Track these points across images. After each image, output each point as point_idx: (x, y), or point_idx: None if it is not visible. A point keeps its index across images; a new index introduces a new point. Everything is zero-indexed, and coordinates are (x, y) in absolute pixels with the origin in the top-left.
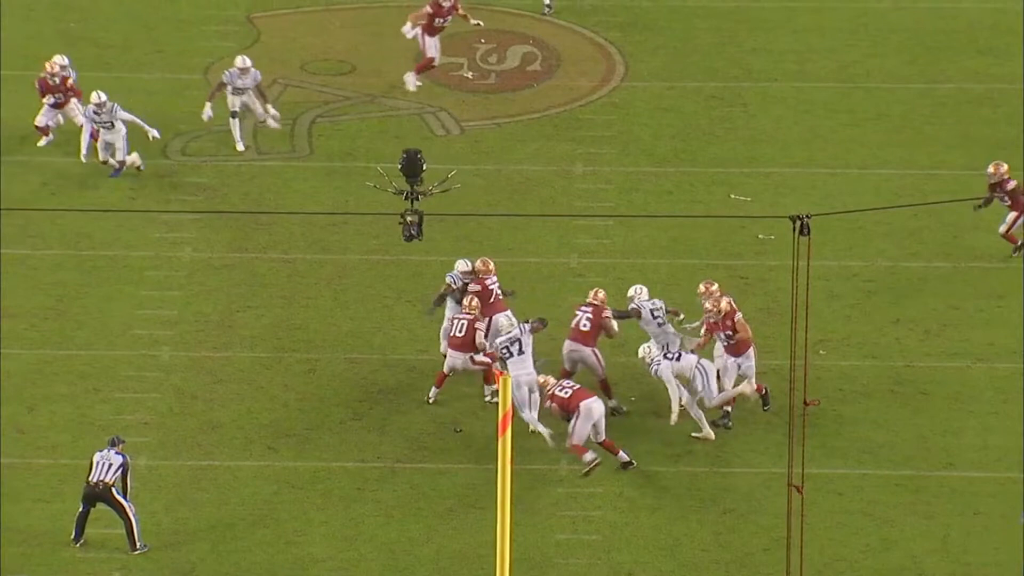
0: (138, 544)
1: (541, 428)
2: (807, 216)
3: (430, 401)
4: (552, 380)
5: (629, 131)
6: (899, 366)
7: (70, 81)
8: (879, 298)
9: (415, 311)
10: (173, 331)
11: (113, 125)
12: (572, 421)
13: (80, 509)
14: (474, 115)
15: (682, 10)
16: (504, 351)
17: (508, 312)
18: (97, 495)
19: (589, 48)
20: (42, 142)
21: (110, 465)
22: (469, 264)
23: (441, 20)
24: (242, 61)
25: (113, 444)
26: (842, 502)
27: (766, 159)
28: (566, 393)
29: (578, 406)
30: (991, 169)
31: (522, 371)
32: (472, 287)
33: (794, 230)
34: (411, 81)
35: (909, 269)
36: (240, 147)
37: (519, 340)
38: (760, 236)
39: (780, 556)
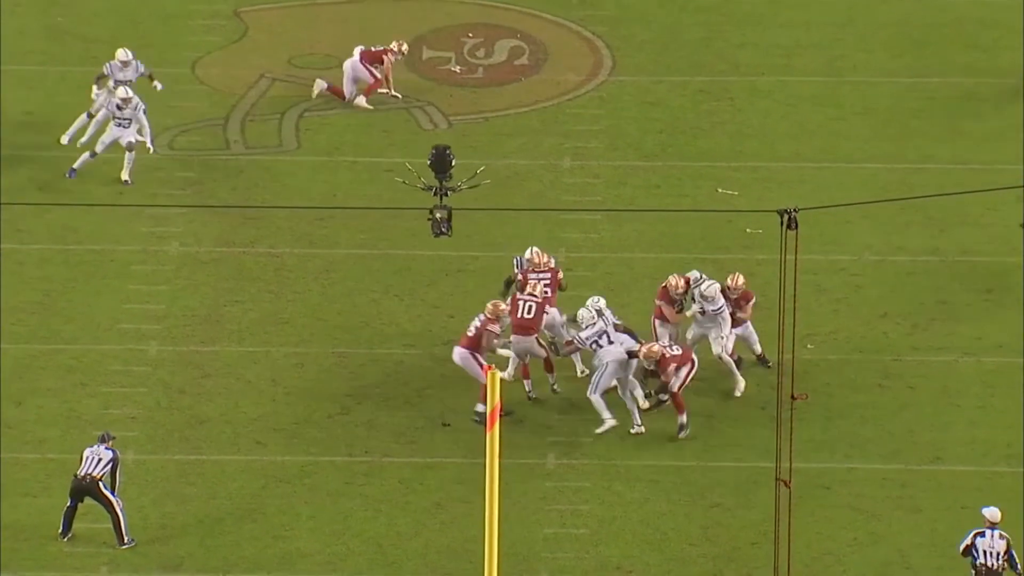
0: (125, 538)
1: (607, 415)
2: (794, 210)
3: (530, 396)
4: (657, 347)
5: (617, 125)
6: (887, 360)
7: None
8: (866, 292)
9: (403, 305)
10: (160, 325)
11: (129, 123)
12: (685, 371)
13: (68, 504)
14: (462, 109)
15: (669, 4)
16: (593, 345)
17: (594, 299)
18: (84, 489)
19: (576, 42)
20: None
21: (99, 460)
22: (535, 251)
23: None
24: (123, 54)
25: (103, 440)
26: (829, 496)
27: (753, 153)
28: (678, 351)
29: (691, 358)
30: None
31: (613, 356)
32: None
33: (781, 224)
34: (363, 102)
35: (896, 263)
36: (64, 140)
37: (606, 332)
38: (748, 230)
39: (768, 550)
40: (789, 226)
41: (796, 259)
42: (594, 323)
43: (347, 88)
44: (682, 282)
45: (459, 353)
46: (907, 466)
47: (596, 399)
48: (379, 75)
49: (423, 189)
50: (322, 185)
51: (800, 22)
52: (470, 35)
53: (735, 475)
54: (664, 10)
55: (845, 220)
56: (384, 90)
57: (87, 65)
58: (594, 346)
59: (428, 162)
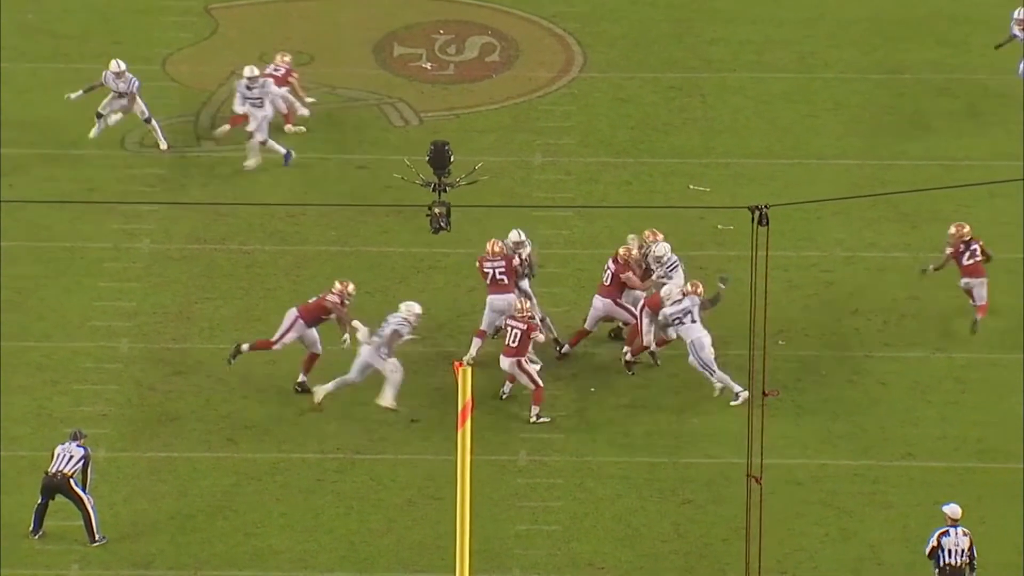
0: (96, 536)
1: (733, 385)
2: (766, 206)
3: (503, 396)
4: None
5: (588, 122)
6: (858, 356)
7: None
8: (838, 288)
9: (374, 302)
10: (132, 323)
11: (262, 103)
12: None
13: (39, 501)
14: (432, 106)
15: (640, 1)
16: (676, 320)
17: (678, 280)
18: (55, 486)
19: (548, 39)
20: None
21: (71, 457)
22: (522, 235)
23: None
24: (116, 65)
25: (75, 437)
26: (801, 492)
27: (725, 150)
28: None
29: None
30: None
31: (695, 335)
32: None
33: (753, 220)
34: (221, 131)
35: (867, 259)
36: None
37: (691, 311)
38: (719, 226)
39: (739, 546)
40: (760, 222)
41: (767, 255)
42: (680, 300)
43: (239, 109)
44: (634, 249)
45: (289, 314)
46: (878, 462)
47: (721, 375)
48: (289, 107)
49: (421, 185)
50: (293, 182)
51: (771, 18)
52: (441, 32)
53: (706, 471)
54: (635, 6)
55: (816, 216)
56: (304, 102)
57: (58, 62)
58: (676, 323)
59: (426, 158)
